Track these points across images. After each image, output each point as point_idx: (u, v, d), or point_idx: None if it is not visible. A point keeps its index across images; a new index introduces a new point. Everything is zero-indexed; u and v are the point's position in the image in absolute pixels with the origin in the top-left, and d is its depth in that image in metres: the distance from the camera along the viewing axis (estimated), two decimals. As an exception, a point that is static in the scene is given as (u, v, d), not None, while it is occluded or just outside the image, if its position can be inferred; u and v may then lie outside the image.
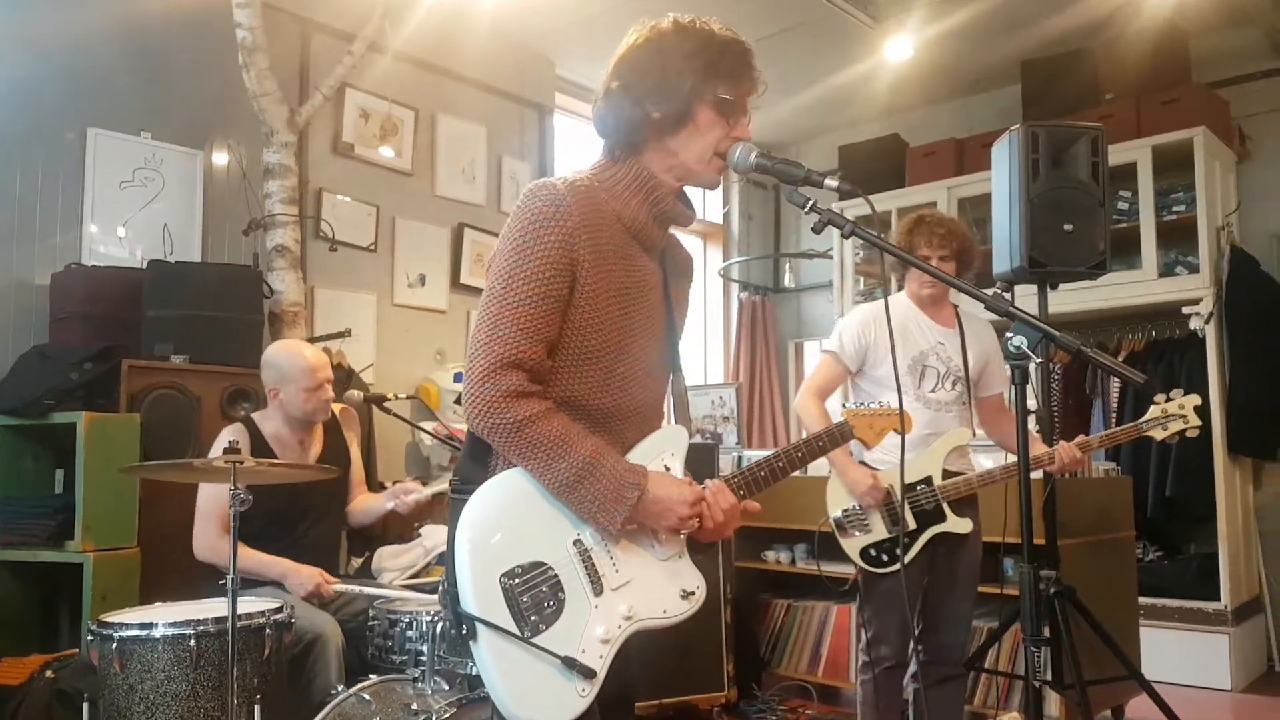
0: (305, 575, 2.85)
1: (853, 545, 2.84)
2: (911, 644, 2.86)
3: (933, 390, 2.86)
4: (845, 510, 2.87)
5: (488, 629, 1.40)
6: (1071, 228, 3.19)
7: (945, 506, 2.79)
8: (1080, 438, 2.83)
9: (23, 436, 3.27)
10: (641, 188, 1.58)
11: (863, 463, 2.91)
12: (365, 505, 3.23)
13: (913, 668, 2.85)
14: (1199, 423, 2.88)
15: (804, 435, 1.87)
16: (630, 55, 1.58)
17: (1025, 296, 3.22)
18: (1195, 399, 2.91)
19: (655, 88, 1.54)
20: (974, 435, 2.91)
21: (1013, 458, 2.92)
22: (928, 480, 2.80)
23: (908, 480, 2.82)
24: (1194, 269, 4.70)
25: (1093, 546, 3.62)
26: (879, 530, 2.81)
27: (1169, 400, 2.91)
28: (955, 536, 2.79)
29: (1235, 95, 5.14)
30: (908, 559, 2.78)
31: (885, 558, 2.81)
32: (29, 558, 3.13)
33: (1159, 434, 2.89)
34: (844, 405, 1.98)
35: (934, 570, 2.83)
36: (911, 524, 2.79)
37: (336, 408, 3.25)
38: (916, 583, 2.84)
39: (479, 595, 1.41)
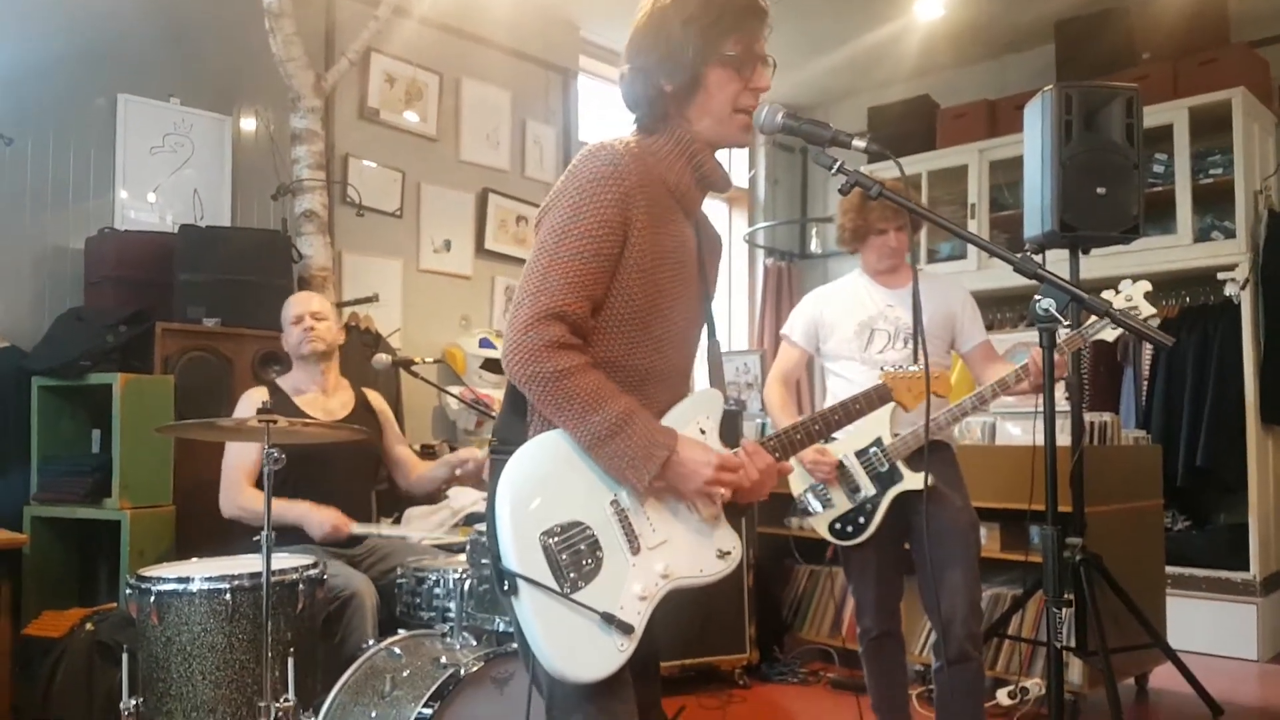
0: (324, 515, 2.89)
1: (820, 522, 2.81)
2: (896, 612, 2.83)
3: (880, 351, 2.78)
4: (806, 488, 2.83)
5: (529, 585, 1.43)
6: (1104, 191, 3.15)
7: (900, 465, 2.69)
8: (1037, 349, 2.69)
9: (60, 397, 3.34)
10: (684, 151, 1.60)
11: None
12: (428, 474, 3.28)
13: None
14: (1152, 310, 2.66)
15: (844, 399, 1.85)
16: (636, 35, 1.62)
17: (1057, 261, 3.18)
18: (1145, 285, 2.70)
19: (661, 62, 1.57)
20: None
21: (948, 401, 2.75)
22: (877, 441, 2.72)
23: (860, 446, 2.73)
24: (1230, 234, 4.61)
25: (1120, 515, 3.60)
26: (841, 503, 2.76)
27: (1117, 294, 2.69)
28: (935, 503, 2.66)
29: (1276, 55, 5.01)
30: (874, 526, 2.72)
31: (851, 529, 2.76)
32: (68, 515, 3.21)
33: (1109, 335, 2.65)
34: (881, 369, 1.97)
35: (918, 535, 2.74)
36: (871, 489, 2.72)
37: (374, 399, 3.31)
38: (893, 548, 2.80)
39: (520, 553, 1.45)
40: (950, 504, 2.71)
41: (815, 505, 2.81)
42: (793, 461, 2.79)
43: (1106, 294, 2.61)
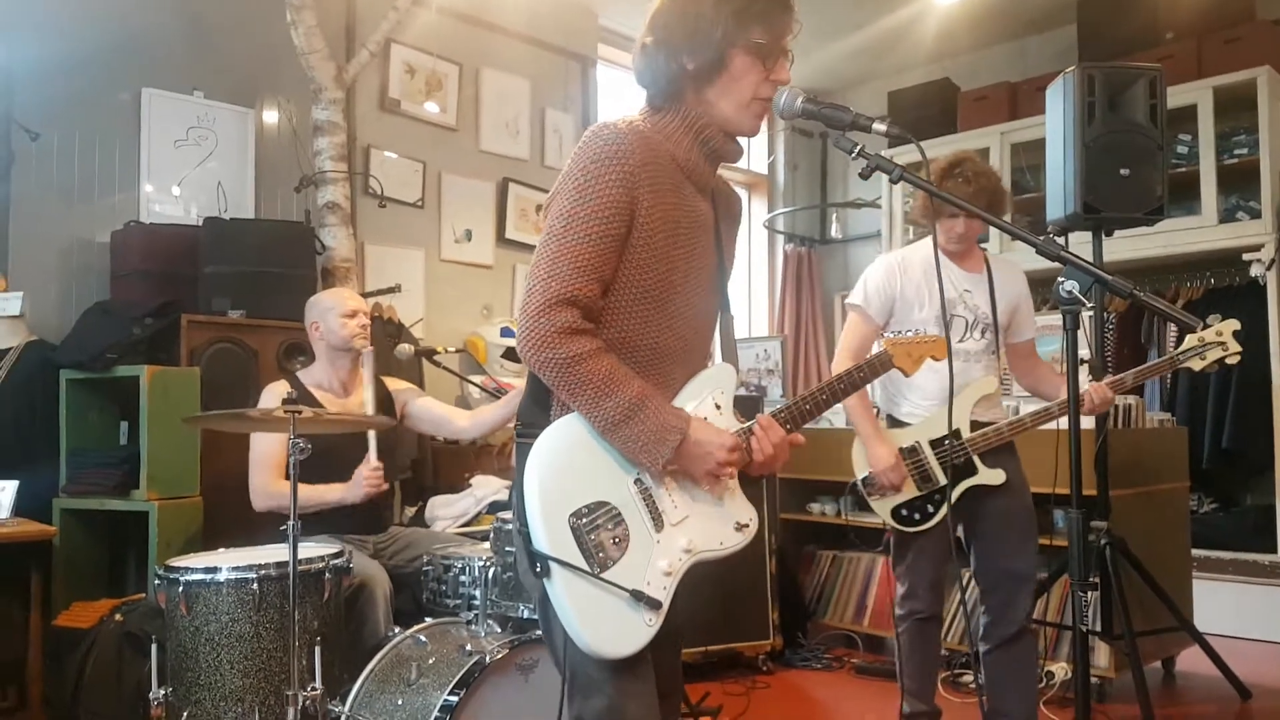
0: (356, 480, 2.89)
1: (883, 505, 2.78)
2: (955, 599, 2.82)
3: (960, 340, 2.74)
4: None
5: (560, 566, 1.46)
6: (1128, 172, 3.12)
7: (976, 459, 2.69)
8: (1110, 376, 2.73)
9: (88, 390, 3.38)
10: (691, 129, 1.60)
11: (891, 418, 2.83)
12: (479, 419, 3.23)
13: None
14: (1238, 348, 2.73)
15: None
16: (663, 8, 1.60)
17: (1080, 243, 3.16)
18: (1234, 324, 2.75)
19: (688, 39, 1.55)
20: (1001, 384, 2.80)
21: (1036, 405, 2.80)
22: (956, 433, 2.69)
23: (935, 436, 2.72)
24: (1256, 214, 4.56)
25: (1145, 497, 3.58)
26: (909, 488, 2.74)
27: (1205, 328, 2.73)
28: (997, 490, 2.68)
29: (1303, 33, 4.93)
30: (940, 515, 2.70)
31: (917, 516, 2.73)
32: (97, 506, 3.25)
33: (1196, 364, 2.74)
34: (882, 335, 1.96)
35: (980, 526, 2.74)
36: (942, 480, 2.69)
37: (390, 383, 3.31)
38: (949, 535, 2.73)
39: (550, 535, 1.47)
40: (1018, 496, 2.73)
41: (880, 488, 2.77)
42: (859, 448, 2.80)
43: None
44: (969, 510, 2.75)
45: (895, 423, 2.83)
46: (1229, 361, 2.74)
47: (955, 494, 2.69)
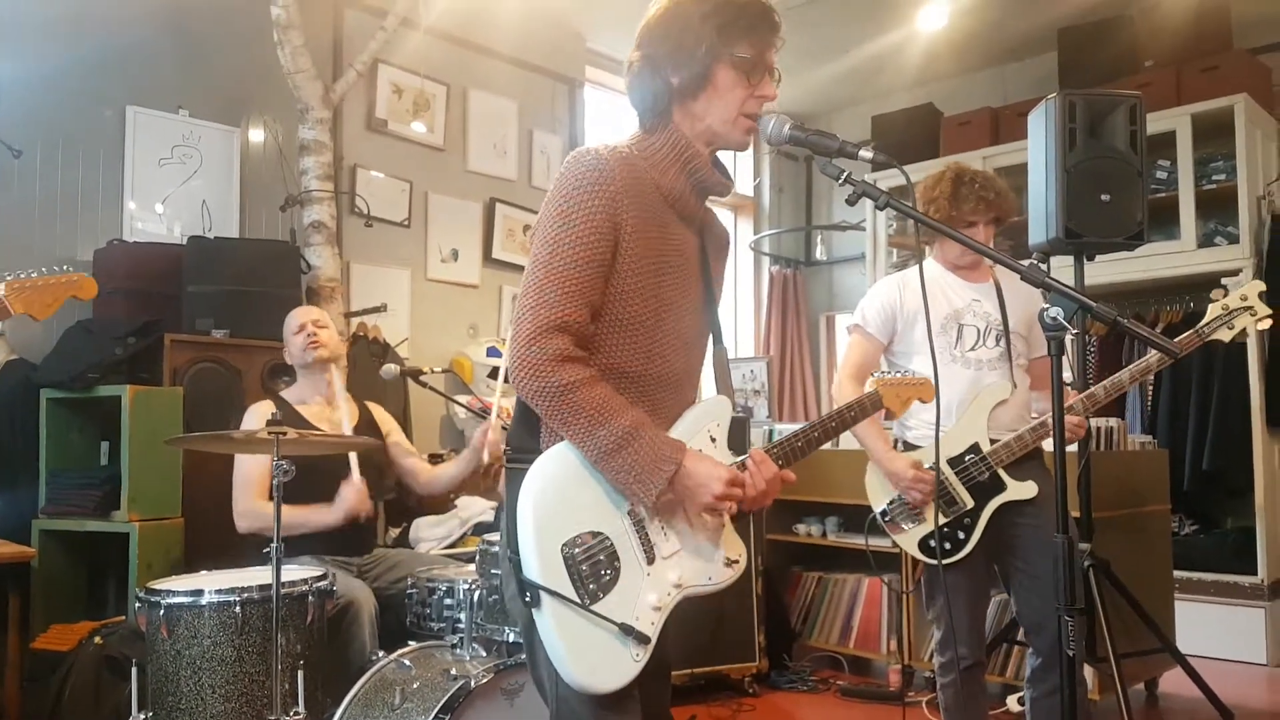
0: (338, 501, 2.89)
1: (908, 539, 2.55)
2: (977, 639, 2.56)
3: (972, 348, 2.55)
4: (891, 502, 2.57)
5: (550, 596, 1.44)
6: (1109, 198, 3.16)
7: (1002, 473, 2.46)
8: (1094, 388, 2.55)
9: (69, 409, 3.35)
10: (679, 157, 1.59)
11: (906, 443, 2.64)
12: (437, 474, 3.22)
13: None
14: (1268, 311, 2.50)
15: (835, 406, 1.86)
16: (650, 25, 1.61)
17: (1062, 268, 3.19)
18: (1259, 285, 2.53)
19: (673, 53, 1.56)
20: (1014, 388, 2.56)
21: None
22: (974, 448, 2.47)
23: (955, 453, 2.50)
24: (1234, 239, 4.62)
25: (1127, 520, 3.60)
26: (933, 517, 2.49)
27: (1227, 295, 2.52)
28: (1030, 509, 2.45)
29: (1278, 62, 5.02)
30: (973, 542, 2.47)
31: (948, 545, 2.47)
32: (76, 528, 3.22)
33: (1225, 335, 2.50)
34: (872, 375, 1.96)
35: (1019, 555, 2.48)
36: (969, 502, 2.47)
37: (375, 410, 3.30)
38: (984, 566, 2.53)
39: (542, 564, 1.45)
40: (1052, 511, 2.56)
41: (903, 520, 2.56)
42: (875, 473, 2.61)
43: (1215, 294, 2.59)
44: (1003, 536, 2.51)
45: (908, 446, 2.64)
46: (1260, 327, 2.53)
47: (987, 515, 2.47)
